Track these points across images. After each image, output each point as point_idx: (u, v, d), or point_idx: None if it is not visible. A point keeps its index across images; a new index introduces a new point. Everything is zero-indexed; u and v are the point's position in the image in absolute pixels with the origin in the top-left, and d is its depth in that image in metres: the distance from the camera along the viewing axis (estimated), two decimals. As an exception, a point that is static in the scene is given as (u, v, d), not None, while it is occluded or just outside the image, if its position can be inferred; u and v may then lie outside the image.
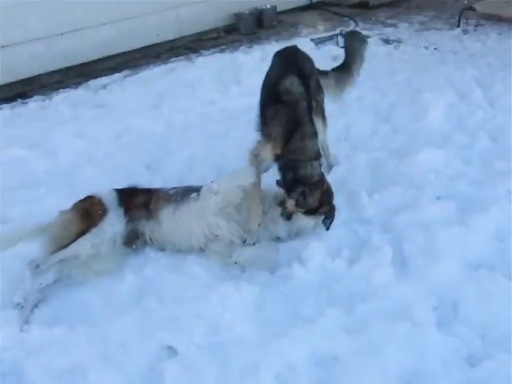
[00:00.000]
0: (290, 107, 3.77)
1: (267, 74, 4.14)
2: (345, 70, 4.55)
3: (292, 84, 3.84)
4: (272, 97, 3.90)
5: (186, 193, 3.80)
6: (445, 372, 2.83)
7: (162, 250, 3.82)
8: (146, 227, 3.76)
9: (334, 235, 3.84)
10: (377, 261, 3.54)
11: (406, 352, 2.91)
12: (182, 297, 3.36)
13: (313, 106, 4.08)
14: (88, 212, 3.67)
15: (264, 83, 4.10)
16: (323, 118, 4.36)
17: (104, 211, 3.67)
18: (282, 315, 3.23)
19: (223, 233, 3.71)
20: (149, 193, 3.86)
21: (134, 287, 3.49)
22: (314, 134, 3.81)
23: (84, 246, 3.52)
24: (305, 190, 3.63)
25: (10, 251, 3.57)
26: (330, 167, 4.49)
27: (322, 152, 3.99)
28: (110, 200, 3.74)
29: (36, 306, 3.39)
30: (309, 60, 4.33)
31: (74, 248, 3.51)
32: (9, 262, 3.51)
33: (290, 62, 4.10)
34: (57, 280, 3.55)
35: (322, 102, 4.36)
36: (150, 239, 3.78)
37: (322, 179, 3.74)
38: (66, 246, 3.50)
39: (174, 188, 3.90)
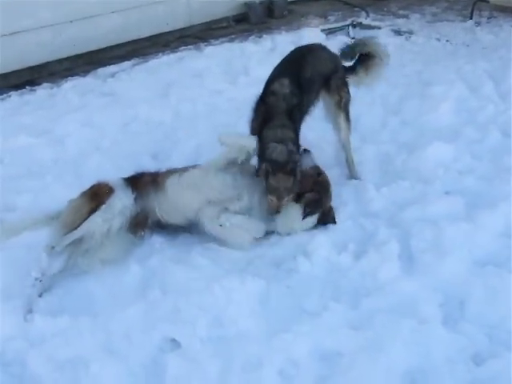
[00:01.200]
0: (270, 107, 3.95)
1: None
2: (370, 58, 4.51)
3: (280, 86, 3.99)
4: (262, 95, 4.07)
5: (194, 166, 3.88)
6: (450, 370, 2.80)
7: (171, 227, 3.80)
8: (155, 200, 3.74)
9: (340, 229, 3.82)
10: (383, 256, 3.51)
11: (411, 349, 2.88)
12: (186, 289, 3.34)
13: (334, 99, 4.28)
14: (96, 193, 3.69)
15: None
16: (346, 115, 4.38)
17: (111, 190, 3.69)
18: (287, 309, 3.21)
19: (218, 195, 3.72)
20: (156, 172, 3.89)
21: (138, 278, 3.48)
22: (286, 126, 3.87)
23: (96, 222, 3.54)
24: (268, 169, 3.68)
25: (14, 241, 3.56)
26: (350, 177, 4.47)
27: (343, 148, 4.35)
28: (117, 183, 3.76)
29: (40, 295, 3.38)
30: (327, 59, 4.35)
31: (86, 225, 3.52)
32: (13, 252, 3.50)
33: (293, 63, 4.20)
34: (63, 269, 3.53)
35: (347, 100, 4.38)
36: (160, 213, 3.74)
37: (293, 166, 3.72)
38: (78, 226, 3.51)
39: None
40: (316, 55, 4.32)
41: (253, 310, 3.18)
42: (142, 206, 3.74)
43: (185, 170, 3.87)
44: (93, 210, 3.57)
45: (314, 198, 3.80)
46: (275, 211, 3.77)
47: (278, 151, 3.76)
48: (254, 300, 3.24)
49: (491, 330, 3.01)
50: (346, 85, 4.39)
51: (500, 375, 2.75)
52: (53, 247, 3.44)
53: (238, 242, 3.66)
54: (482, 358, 2.86)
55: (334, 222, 3.87)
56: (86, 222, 3.53)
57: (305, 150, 4.00)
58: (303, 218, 3.79)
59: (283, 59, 4.30)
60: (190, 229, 3.78)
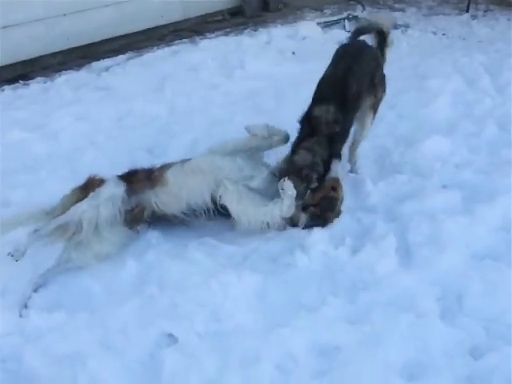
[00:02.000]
0: (312, 128, 3.88)
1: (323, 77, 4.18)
2: (384, 36, 4.39)
3: (324, 112, 3.89)
4: (306, 115, 3.97)
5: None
6: (448, 364, 2.81)
7: (167, 218, 3.77)
8: (152, 193, 3.70)
9: (337, 223, 3.81)
10: (381, 250, 3.52)
11: (409, 343, 2.89)
12: (183, 284, 3.34)
13: (370, 101, 4.19)
14: (87, 185, 3.72)
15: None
16: (374, 114, 4.31)
17: (102, 181, 3.71)
18: (284, 304, 3.21)
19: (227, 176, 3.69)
20: (151, 168, 3.86)
21: (134, 273, 3.47)
22: (323, 145, 3.85)
23: (81, 208, 3.53)
24: (285, 168, 3.83)
25: (8, 238, 3.54)
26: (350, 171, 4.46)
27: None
28: (110, 177, 3.75)
29: (35, 290, 3.38)
30: (371, 60, 4.22)
31: (72, 211, 3.52)
32: (8, 248, 3.49)
33: (339, 81, 4.03)
34: (57, 264, 3.52)
35: (381, 99, 4.32)
36: (157, 205, 3.70)
37: (310, 173, 3.74)
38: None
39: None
40: (361, 61, 4.14)
41: (250, 304, 3.18)
42: (136, 201, 3.72)
43: (185, 160, 3.84)
44: (81, 199, 3.59)
45: (316, 212, 3.79)
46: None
47: (302, 156, 3.79)
48: (251, 295, 3.24)
49: (489, 323, 3.02)
50: (383, 82, 4.31)
51: (498, 369, 2.76)
52: (36, 230, 3.46)
53: (267, 214, 3.61)
54: (480, 351, 2.87)
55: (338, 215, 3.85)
56: (73, 207, 3.53)
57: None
58: (302, 228, 3.77)
59: (329, 72, 4.17)
60: (187, 219, 3.75)
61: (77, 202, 3.60)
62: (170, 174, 3.75)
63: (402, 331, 2.94)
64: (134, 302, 3.22)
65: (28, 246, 3.43)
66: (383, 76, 4.31)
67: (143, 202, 3.73)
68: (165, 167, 3.83)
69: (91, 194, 3.60)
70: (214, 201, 3.69)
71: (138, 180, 3.76)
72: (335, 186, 3.83)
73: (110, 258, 3.60)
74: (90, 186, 3.71)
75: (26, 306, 3.26)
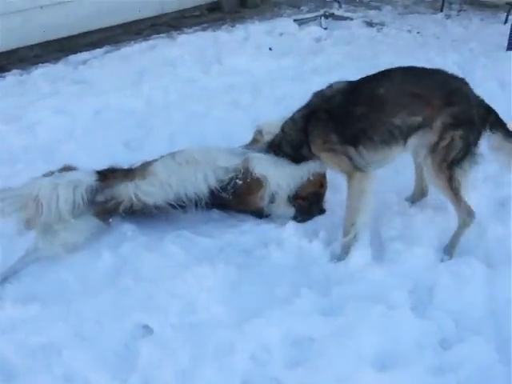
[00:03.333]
0: None
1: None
2: None
3: None
4: None
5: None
6: (418, 354, 2.85)
7: (145, 213, 3.73)
8: (131, 186, 3.64)
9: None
10: (354, 243, 3.55)
11: (381, 334, 2.92)
12: (158, 276, 3.34)
13: None
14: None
15: None
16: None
17: (73, 168, 3.72)
18: (258, 296, 3.22)
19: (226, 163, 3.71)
20: (130, 167, 3.83)
21: (109, 265, 3.46)
22: None
23: (40, 181, 3.54)
24: None
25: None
26: None
27: None
28: (85, 168, 3.74)
29: (5, 281, 3.35)
30: None
31: (31, 184, 3.55)
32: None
33: None
34: (26, 255, 3.47)
35: None
36: (137, 197, 3.63)
37: None
38: None
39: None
40: None
41: (225, 296, 3.19)
42: (111, 194, 3.66)
43: (175, 152, 3.81)
44: None
45: (304, 206, 3.82)
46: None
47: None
48: (225, 287, 3.25)
49: (458, 315, 3.07)
50: None
51: (466, 359, 2.80)
52: None
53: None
54: (449, 342, 2.93)
55: (322, 212, 3.88)
56: (33, 180, 3.55)
57: None
58: (293, 219, 3.80)
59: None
60: (168, 210, 3.71)
61: None
62: (157, 165, 3.72)
63: (374, 323, 2.97)
64: (109, 294, 3.21)
65: None
66: None
67: (120, 196, 3.67)
68: (147, 163, 3.80)
69: (56, 173, 3.59)
70: (211, 188, 3.66)
71: (114, 176, 3.73)
72: (323, 182, 3.87)
73: (78, 248, 3.56)
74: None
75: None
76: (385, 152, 3.47)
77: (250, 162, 3.69)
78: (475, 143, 3.39)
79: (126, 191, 3.65)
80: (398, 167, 4.25)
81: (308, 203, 3.83)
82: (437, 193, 3.90)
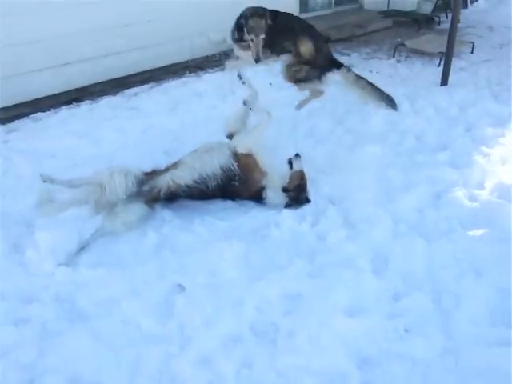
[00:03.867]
0: None
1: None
2: None
3: None
4: None
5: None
6: (377, 305, 2.86)
7: (179, 195, 3.65)
8: (167, 175, 3.59)
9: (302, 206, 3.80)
10: (331, 225, 3.55)
11: (351, 291, 2.92)
12: (189, 249, 3.33)
13: None
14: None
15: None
16: None
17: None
18: (262, 264, 3.21)
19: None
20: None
21: (153, 241, 3.44)
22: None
23: (100, 172, 3.50)
24: (247, 14, 4.07)
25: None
26: None
27: None
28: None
29: (82, 250, 3.34)
30: None
31: (94, 174, 3.50)
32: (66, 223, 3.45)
33: None
34: (95, 231, 3.44)
35: None
36: (172, 181, 3.56)
37: (264, 12, 4.10)
38: None
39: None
40: None
41: (237, 264, 3.18)
42: (153, 185, 3.59)
43: (196, 148, 3.77)
44: None
45: (294, 196, 3.77)
46: (256, 54, 4.14)
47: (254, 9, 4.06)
48: (238, 257, 3.23)
49: (406, 276, 3.07)
50: None
51: (412, 309, 2.82)
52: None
53: None
54: (399, 296, 2.93)
55: (308, 201, 3.82)
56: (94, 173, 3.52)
57: (296, 154, 3.90)
58: (287, 207, 3.75)
59: None
60: (196, 188, 3.62)
61: None
62: (185, 157, 3.68)
63: (345, 283, 2.97)
64: (153, 262, 3.21)
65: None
66: None
67: (160, 184, 3.59)
68: (178, 161, 3.74)
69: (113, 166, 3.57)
70: (222, 168, 3.62)
71: (154, 173, 3.68)
72: (303, 176, 3.83)
73: (134, 228, 3.52)
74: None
75: (80, 263, 3.22)
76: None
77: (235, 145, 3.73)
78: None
79: (164, 179, 3.60)
80: (362, 170, 4.22)
81: (296, 194, 3.78)
82: (392, 188, 3.89)
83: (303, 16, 9.15)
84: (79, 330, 2.70)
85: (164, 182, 3.60)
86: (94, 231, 3.45)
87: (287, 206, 3.77)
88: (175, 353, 2.58)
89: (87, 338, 2.64)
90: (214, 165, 3.62)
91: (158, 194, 3.61)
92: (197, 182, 3.60)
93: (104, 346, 2.62)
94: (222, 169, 3.63)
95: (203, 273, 3.10)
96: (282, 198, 3.77)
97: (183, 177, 3.60)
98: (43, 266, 3.13)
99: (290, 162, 3.87)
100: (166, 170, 3.69)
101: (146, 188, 3.60)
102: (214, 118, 5.63)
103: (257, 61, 4.20)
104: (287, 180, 3.80)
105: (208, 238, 3.46)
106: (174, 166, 3.69)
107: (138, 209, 3.57)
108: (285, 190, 3.76)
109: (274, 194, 3.77)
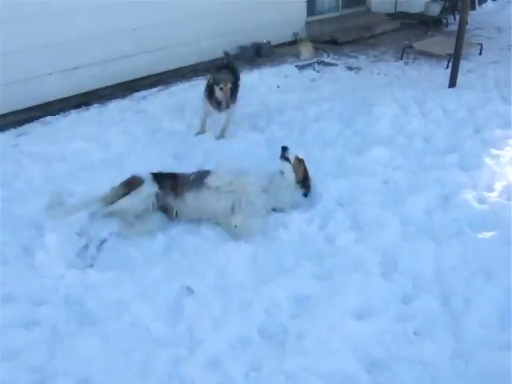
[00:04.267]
0: None
1: None
2: None
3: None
4: None
5: (201, 178, 3.67)
6: (386, 308, 2.84)
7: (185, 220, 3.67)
8: (174, 204, 3.62)
9: (309, 208, 3.80)
10: (340, 227, 3.53)
11: (359, 293, 2.91)
12: (197, 251, 3.34)
13: None
14: (130, 183, 3.66)
15: None
16: None
17: (142, 181, 3.64)
18: (270, 266, 3.20)
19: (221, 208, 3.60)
20: (175, 178, 3.73)
21: (162, 244, 3.45)
22: None
23: (126, 200, 3.52)
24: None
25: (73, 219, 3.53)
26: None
27: None
28: (147, 177, 3.69)
29: (98, 248, 3.39)
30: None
31: (119, 203, 3.52)
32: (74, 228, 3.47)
33: None
34: (108, 237, 3.48)
35: None
36: (176, 213, 3.63)
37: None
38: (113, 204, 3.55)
39: (193, 173, 3.78)
40: None
41: (245, 266, 3.18)
42: (163, 203, 3.62)
43: (199, 185, 3.63)
44: (126, 194, 3.57)
45: (305, 184, 3.85)
46: (226, 100, 4.81)
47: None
48: (246, 259, 3.23)
49: (415, 279, 3.05)
50: None
51: (421, 311, 2.80)
52: (92, 213, 3.57)
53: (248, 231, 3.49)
54: (408, 299, 2.91)
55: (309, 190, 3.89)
56: (120, 200, 3.53)
57: (283, 147, 3.88)
58: (304, 196, 3.85)
59: None
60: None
61: (122, 193, 3.58)
62: (187, 197, 3.60)
63: (354, 285, 2.95)
64: (162, 264, 3.21)
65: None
66: None
67: (167, 205, 3.64)
68: (185, 185, 3.65)
69: (134, 191, 3.55)
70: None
71: (166, 187, 3.64)
72: (301, 160, 3.89)
73: (147, 233, 3.52)
74: (131, 183, 3.66)
75: (90, 266, 3.26)
76: None
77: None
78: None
79: (171, 206, 3.63)
80: (370, 173, 4.21)
81: (307, 181, 3.87)
82: (401, 190, 3.87)
83: (311, 19, 9.19)
84: (89, 332, 2.71)
85: (171, 208, 3.63)
86: (107, 235, 3.47)
87: (305, 195, 3.85)
88: (184, 355, 2.58)
89: (96, 341, 2.64)
90: (213, 210, 3.59)
91: (167, 210, 3.65)
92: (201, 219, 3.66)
93: (113, 348, 2.62)
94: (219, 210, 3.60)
95: (212, 275, 3.10)
96: (289, 195, 3.78)
97: (189, 213, 3.62)
98: (53, 268, 3.14)
99: (286, 158, 3.84)
100: (176, 194, 3.63)
101: (161, 203, 3.61)
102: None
103: (224, 108, 4.93)
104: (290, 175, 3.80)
105: (216, 240, 3.46)
106: (182, 196, 3.60)
107: (158, 219, 3.60)
108: (298, 182, 3.80)
109: (280, 196, 3.76)
